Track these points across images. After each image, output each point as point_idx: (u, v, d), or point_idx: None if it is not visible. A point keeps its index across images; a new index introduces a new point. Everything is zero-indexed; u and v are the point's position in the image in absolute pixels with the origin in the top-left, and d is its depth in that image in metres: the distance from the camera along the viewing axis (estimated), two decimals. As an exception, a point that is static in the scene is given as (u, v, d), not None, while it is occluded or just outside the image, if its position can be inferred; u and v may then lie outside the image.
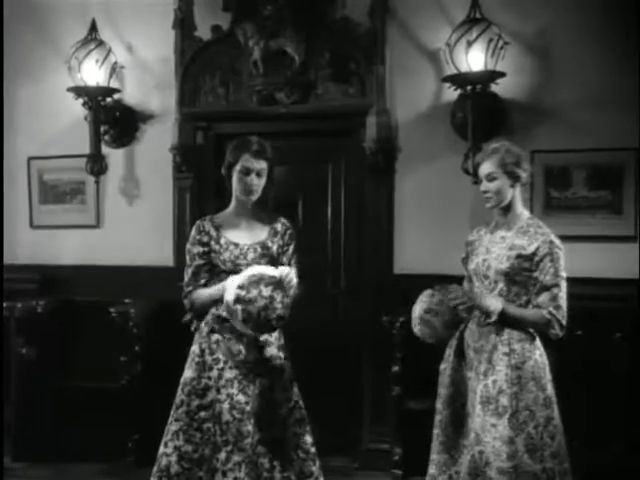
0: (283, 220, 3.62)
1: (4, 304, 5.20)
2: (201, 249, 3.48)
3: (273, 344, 3.50)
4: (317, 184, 5.40)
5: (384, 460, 4.88)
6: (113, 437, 4.96)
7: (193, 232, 3.53)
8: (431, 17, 5.03)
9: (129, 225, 5.56)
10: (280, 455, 3.43)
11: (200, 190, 5.34)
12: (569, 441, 3.58)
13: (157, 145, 5.44)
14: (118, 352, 5.06)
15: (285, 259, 3.54)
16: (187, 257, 3.50)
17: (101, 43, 5.30)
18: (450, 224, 5.03)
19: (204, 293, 3.45)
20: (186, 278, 3.49)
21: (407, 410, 4.73)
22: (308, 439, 3.49)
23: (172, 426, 3.45)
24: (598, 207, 4.88)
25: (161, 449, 3.47)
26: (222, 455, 3.38)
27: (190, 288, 3.48)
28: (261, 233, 3.53)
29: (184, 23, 5.28)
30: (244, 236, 3.50)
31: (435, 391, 4.56)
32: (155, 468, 3.47)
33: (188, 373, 3.48)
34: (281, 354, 3.52)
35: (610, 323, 4.59)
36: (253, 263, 3.42)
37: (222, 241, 3.47)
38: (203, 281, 3.47)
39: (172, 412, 3.47)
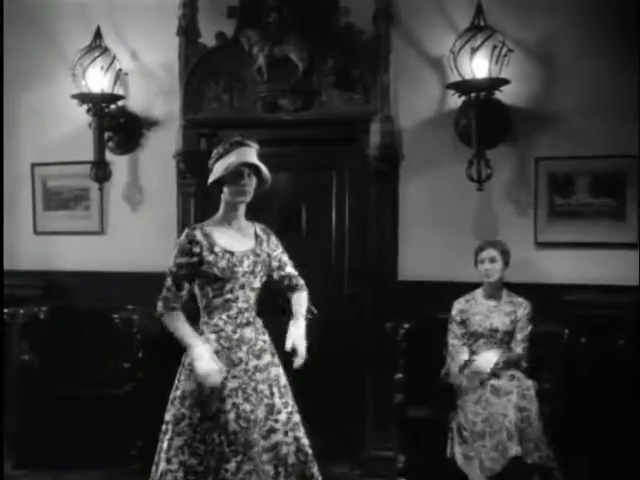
0: (261, 226, 3.65)
1: (6, 310, 5.18)
2: (190, 260, 3.42)
3: (267, 351, 3.51)
4: (321, 191, 5.40)
5: (387, 467, 4.86)
6: (116, 444, 4.92)
7: (183, 241, 3.45)
8: (435, 24, 5.05)
9: (133, 231, 5.57)
10: (283, 461, 3.42)
11: (204, 196, 5.34)
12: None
13: (161, 151, 5.45)
14: (121, 359, 5.04)
15: (283, 261, 3.65)
16: (172, 264, 3.43)
17: (105, 50, 5.33)
18: (454, 231, 5.04)
19: (178, 329, 3.43)
20: (167, 284, 3.45)
21: (410, 417, 4.71)
22: (306, 442, 3.49)
23: (175, 441, 3.38)
24: (602, 214, 4.89)
25: (163, 465, 3.38)
26: (232, 465, 3.32)
27: (172, 304, 3.44)
28: (249, 240, 3.55)
29: (188, 30, 5.30)
30: (237, 244, 3.50)
31: (438, 398, 4.59)
32: None
33: (187, 386, 3.42)
34: (275, 360, 3.53)
35: (614, 330, 4.58)
36: (248, 270, 3.45)
37: (216, 249, 3.43)
38: (184, 292, 3.43)
39: (170, 426, 3.40)
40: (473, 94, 4.78)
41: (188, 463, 3.37)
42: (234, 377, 3.41)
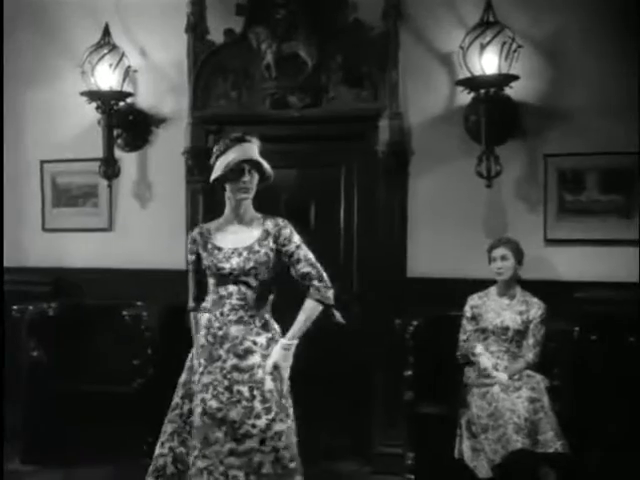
0: (276, 220, 3.54)
1: (15, 307, 5.20)
2: (191, 258, 3.60)
3: (256, 352, 3.43)
4: (329, 188, 5.39)
5: (397, 464, 4.84)
6: (125, 441, 4.93)
7: (188, 241, 3.65)
8: (444, 20, 5.03)
9: (141, 228, 5.57)
10: (255, 469, 3.33)
11: (212, 193, 5.32)
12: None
13: (170, 148, 5.45)
14: (130, 355, 5.04)
15: (295, 257, 3.47)
16: None
17: (114, 47, 5.32)
18: (463, 227, 5.03)
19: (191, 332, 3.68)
20: None
21: (420, 414, 4.70)
22: (286, 454, 3.35)
23: (167, 427, 3.49)
24: (611, 211, 4.86)
25: (158, 449, 3.50)
26: (190, 459, 3.39)
27: (190, 304, 3.69)
28: (250, 236, 3.49)
29: (197, 27, 5.29)
30: (230, 240, 3.49)
31: (448, 395, 4.58)
32: (152, 467, 3.51)
33: (183, 376, 3.53)
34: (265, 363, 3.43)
35: (624, 328, 4.55)
36: (237, 267, 3.42)
37: (208, 246, 3.50)
38: (195, 291, 3.65)
39: (168, 413, 3.51)
40: (482, 90, 4.76)
41: (177, 451, 3.46)
42: (209, 373, 3.42)
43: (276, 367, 3.39)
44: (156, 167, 5.60)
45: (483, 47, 4.66)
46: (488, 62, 4.68)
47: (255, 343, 3.43)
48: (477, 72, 4.73)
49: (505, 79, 4.74)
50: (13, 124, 5.74)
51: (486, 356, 4.49)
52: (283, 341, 3.43)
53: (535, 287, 4.62)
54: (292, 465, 3.36)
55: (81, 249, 5.69)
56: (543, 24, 4.90)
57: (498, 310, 4.56)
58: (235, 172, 3.44)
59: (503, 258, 4.55)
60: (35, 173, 5.78)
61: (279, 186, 5.22)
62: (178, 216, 5.46)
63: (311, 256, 3.50)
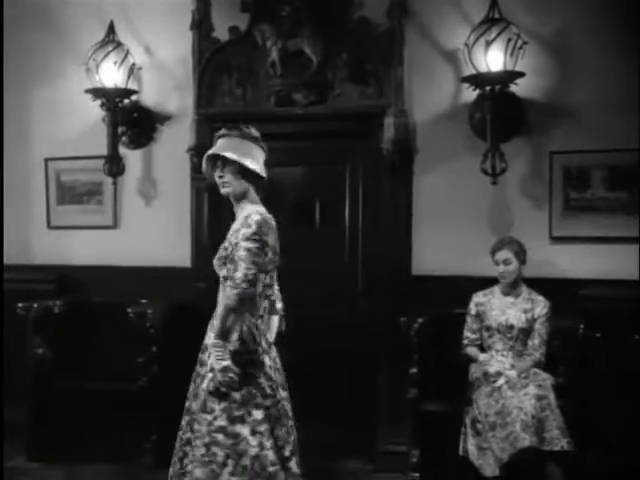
0: (248, 214, 3.33)
1: (20, 304, 5.21)
2: None
3: (207, 349, 3.40)
4: (334, 185, 5.38)
5: (401, 462, 4.82)
6: (130, 438, 4.94)
7: None
8: (449, 17, 5.02)
9: (146, 226, 5.57)
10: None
11: (218, 191, 5.32)
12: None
13: (174, 146, 5.44)
14: (135, 353, 5.03)
15: (231, 256, 3.28)
16: None
17: (119, 45, 5.32)
18: (469, 225, 5.02)
19: None
20: None
21: (424, 412, 4.69)
22: (188, 457, 3.36)
23: None
24: (617, 208, 4.84)
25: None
26: None
27: None
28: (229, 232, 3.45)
29: (202, 24, 5.28)
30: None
31: (452, 393, 4.58)
32: None
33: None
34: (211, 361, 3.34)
35: (629, 325, 4.55)
36: (215, 264, 3.40)
37: None
38: None
39: None
40: (488, 87, 4.75)
41: None
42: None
43: (212, 368, 3.27)
44: (161, 165, 5.59)
45: (488, 44, 4.65)
46: (493, 59, 4.67)
47: (210, 338, 3.39)
48: (482, 69, 4.72)
49: (510, 76, 4.72)
50: (18, 122, 5.76)
51: (487, 357, 4.51)
52: (209, 341, 3.34)
53: (540, 285, 4.60)
54: (188, 468, 3.33)
55: (86, 247, 5.70)
56: (548, 21, 4.88)
57: (503, 308, 4.55)
58: (210, 168, 3.44)
59: (506, 262, 4.51)
60: (40, 171, 5.78)
61: (284, 184, 5.27)
62: (183, 214, 5.46)
63: (241, 253, 3.21)
